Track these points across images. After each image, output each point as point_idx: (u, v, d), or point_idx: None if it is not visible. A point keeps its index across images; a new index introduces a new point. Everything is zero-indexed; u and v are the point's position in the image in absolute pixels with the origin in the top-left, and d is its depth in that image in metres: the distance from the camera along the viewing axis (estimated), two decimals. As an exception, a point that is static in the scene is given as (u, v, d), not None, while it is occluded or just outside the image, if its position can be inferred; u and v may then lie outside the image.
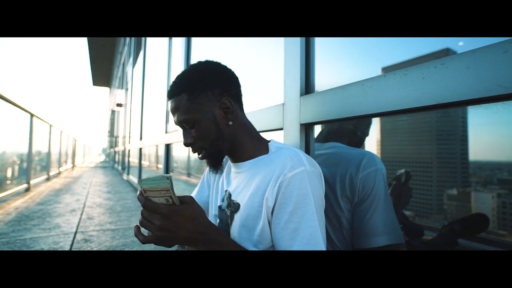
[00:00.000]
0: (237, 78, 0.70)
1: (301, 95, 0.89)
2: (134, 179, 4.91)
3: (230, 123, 0.66)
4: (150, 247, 1.85)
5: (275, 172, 0.60)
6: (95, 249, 1.80)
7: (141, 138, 4.66)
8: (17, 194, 3.78)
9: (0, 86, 2.80)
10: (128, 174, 6.04)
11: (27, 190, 4.16)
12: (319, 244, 0.54)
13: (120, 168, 8.14)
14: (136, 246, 1.87)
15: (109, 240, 1.98)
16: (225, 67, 0.69)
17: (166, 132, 2.69)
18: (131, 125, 6.23)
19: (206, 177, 0.88)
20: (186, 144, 0.67)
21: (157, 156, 3.91)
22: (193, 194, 0.89)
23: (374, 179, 0.75)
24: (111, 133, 12.40)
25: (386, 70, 0.89)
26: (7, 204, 3.17)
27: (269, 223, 0.59)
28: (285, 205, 0.56)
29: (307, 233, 0.54)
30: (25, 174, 4.36)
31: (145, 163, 4.72)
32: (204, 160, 0.69)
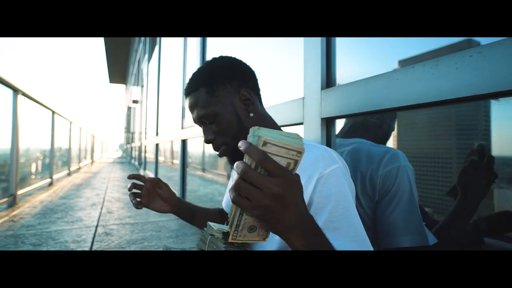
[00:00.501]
0: (253, 72, 0.70)
1: (322, 88, 0.87)
2: (151, 174, 5.01)
3: (251, 114, 0.64)
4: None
5: (307, 170, 0.57)
6: (115, 242, 1.85)
7: (157, 134, 4.74)
8: (42, 188, 3.93)
9: (25, 86, 2.90)
10: (144, 169, 6.17)
11: (50, 184, 4.33)
12: (365, 241, 0.51)
13: (137, 163, 8.33)
14: (155, 240, 1.91)
15: (128, 234, 2.03)
16: (241, 61, 0.69)
17: (182, 128, 2.72)
18: (147, 121, 6.34)
19: (230, 180, 0.88)
20: (207, 141, 0.65)
21: (172, 152, 3.97)
22: (226, 194, 0.89)
23: (395, 175, 0.72)
24: (128, 129, 12.69)
25: (403, 63, 0.86)
26: (32, 197, 3.30)
27: None
28: (324, 204, 0.53)
29: (350, 230, 0.51)
30: (47, 169, 4.53)
31: (160, 158, 4.81)
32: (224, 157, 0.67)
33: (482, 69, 0.49)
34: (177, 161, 3.39)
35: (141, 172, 6.44)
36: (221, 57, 0.68)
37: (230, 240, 0.40)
